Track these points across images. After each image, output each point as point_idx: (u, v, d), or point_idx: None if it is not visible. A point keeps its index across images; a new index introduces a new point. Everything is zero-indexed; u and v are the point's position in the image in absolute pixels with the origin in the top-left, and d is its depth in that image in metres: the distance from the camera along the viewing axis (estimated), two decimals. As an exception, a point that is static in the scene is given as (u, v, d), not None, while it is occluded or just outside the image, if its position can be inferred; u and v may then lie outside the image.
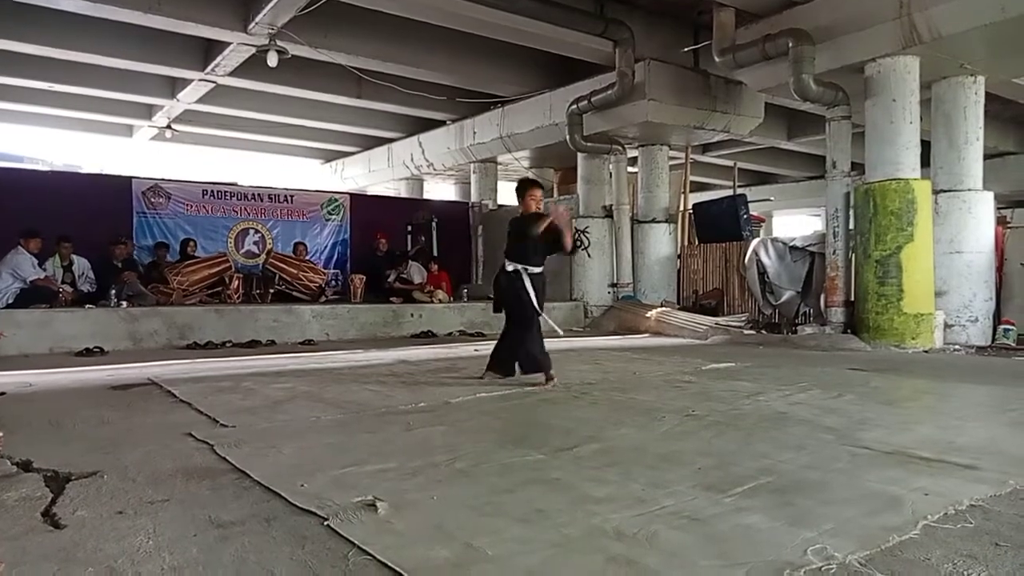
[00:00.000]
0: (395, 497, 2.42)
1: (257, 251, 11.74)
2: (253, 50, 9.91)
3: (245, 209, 11.87)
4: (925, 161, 8.46)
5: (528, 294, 5.06)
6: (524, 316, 5.13)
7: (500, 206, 15.08)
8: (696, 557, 1.94)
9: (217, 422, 3.75)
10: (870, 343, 7.89)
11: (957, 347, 7.86)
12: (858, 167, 8.77)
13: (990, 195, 8.50)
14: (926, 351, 7.62)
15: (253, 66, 10.59)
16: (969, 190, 8.39)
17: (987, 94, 8.85)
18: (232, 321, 8.53)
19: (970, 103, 8.54)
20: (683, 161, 12.59)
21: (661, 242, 11.78)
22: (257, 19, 8.98)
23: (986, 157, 8.85)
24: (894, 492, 2.50)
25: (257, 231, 11.93)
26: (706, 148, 16.86)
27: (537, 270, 5.18)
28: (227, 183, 12.07)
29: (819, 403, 4.33)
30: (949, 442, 3.26)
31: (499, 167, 15.74)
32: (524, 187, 5.43)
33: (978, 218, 8.29)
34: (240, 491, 2.55)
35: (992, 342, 7.98)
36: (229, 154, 19.11)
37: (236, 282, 9.97)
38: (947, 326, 8.05)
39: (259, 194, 12.11)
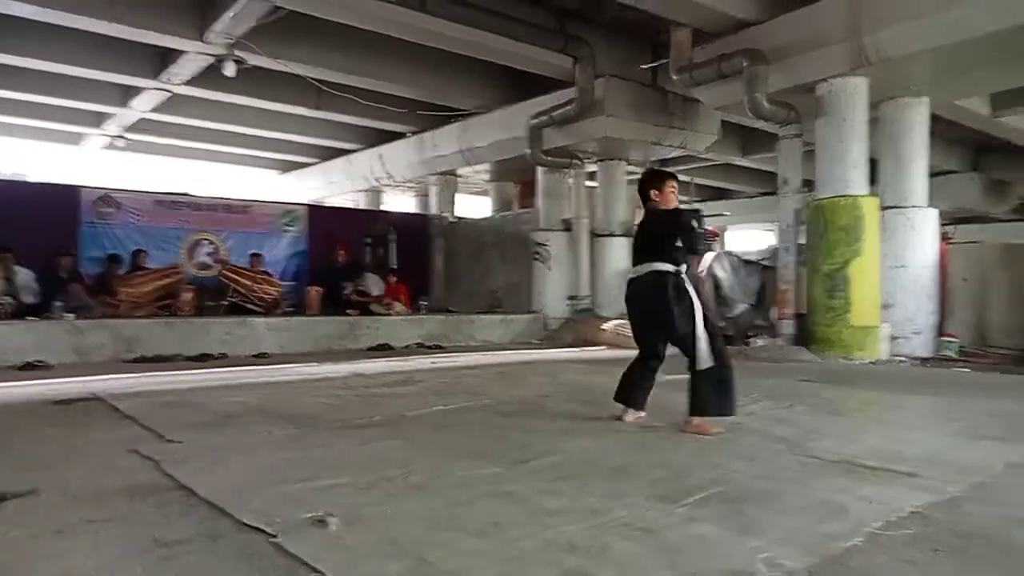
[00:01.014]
0: (347, 512, 2.38)
1: (211, 262, 11.51)
2: (210, 59, 9.77)
3: (199, 219, 11.64)
4: (873, 179, 8.74)
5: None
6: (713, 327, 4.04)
7: (460, 219, 15.08)
8: (648, 568, 1.95)
9: (163, 438, 3.65)
10: (820, 355, 8.07)
11: (902, 359, 8.09)
12: (809, 184, 9.01)
13: (934, 212, 8.80)
14: (873, 363, 7.83)
15: (210, 75, 10.43)
16: (914, 207, 8.67)
17: (932, 115, 9.19)
18: (183, 334, 8.33)
19: (916, 123, 8.85)
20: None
21: (619, 255, 11.89)
22: (215, 28, 8.87)
23: (931, 176, 9.17)
24: (841, 501, 2.55)
25: (211, 242, 11.70)
26: (663, 164, 17.10)
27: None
28: (180, 193, 11.83)
29: (770, 414, 4.42)
30: (893, 451, 3.35)
31: (459, 180, 15.75)
32: (661, 178, 4.28)
33: (922, 234, 8.58)
34: (186, 509, 2.48)
35: (935, 354, 8.23)
36: (184, 164, 18.74)
37: (188, 294, 9.75)
38: (892, 338, 8.28)
39: (214, 204, 11.90)
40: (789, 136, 9.06)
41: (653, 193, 4.18)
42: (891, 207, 8.62)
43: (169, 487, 2.75)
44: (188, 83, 11.17)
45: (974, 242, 12.29)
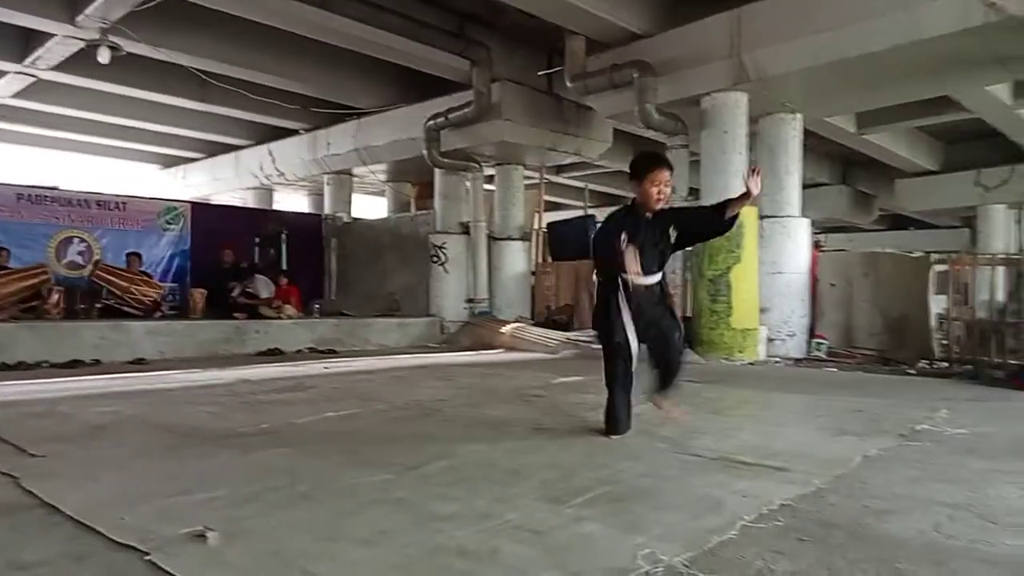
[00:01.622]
0: (228, 525, 2.29)
1: (82, 262, 10.74)
2: (82, 44, 9.12)
3: (69, 216, 10.83)
4: (752, 189, 9.25)
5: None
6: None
7: (355, 219, 14.80)
8: (535, 569, 1.98)
9: (25, 452, 3.37)
10: (704, 356, 8.47)
11: (778, 360, 8.62)
12: (696, 192, 9.45)
13: (807, 221, 9.45)
14: (751, 363, 8.30)
15: (82, 61, 9.75)
16: (789, 216, 9.27)
17: (805, 130, 9.86)
18: (50, 339, 7.74)
19: (790, 138, 9.47)
20: (538, 181, 12.97)
21: (516, 259, 12.05)
22: (87, 11, 8.30)
23: (804, 187, 9.83)
24: (717, 496, 2.69)
25: (83, 240, 10.92)
26: (560, 169, 17.47)
27: None
28: (48, 187, 10.97)
29: (656, 413, 4.57)
30: (766, 447, 3.56)
31: (354, 179, 15.46)
32: (652, 163, 3.80)
33: (796, 242, 9.18)
34: (48, 528, 2.30)
35: (807, 354, 8.82)
36: (53, 155, 17.43)
37: (56, 296, 9.04)
38: (769, 340, 8.81)
39: (86, 200, 11.10)
40: (676, 146, 9.47)
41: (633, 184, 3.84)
42: (768, 216, 9.18)
43: (30, 505, 2.54)
44: (57, 68, 10.39)
45: (842, 250, 13.29)
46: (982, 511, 2.52)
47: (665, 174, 3.76)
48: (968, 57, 7.57)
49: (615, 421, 3.84)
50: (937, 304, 8.13)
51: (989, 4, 6.46)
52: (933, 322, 8.00)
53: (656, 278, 3.84)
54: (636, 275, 3.58)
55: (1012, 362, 7.05)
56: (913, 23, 6.98)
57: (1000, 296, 7.48)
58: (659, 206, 3.80)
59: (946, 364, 7.71)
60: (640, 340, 3.77)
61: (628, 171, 3.90)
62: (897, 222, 22.71)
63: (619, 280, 3.71)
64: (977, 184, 15.56)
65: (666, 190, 3.78)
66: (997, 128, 12.72)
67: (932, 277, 8.07)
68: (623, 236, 3.64)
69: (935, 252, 9.71)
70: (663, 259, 3.89)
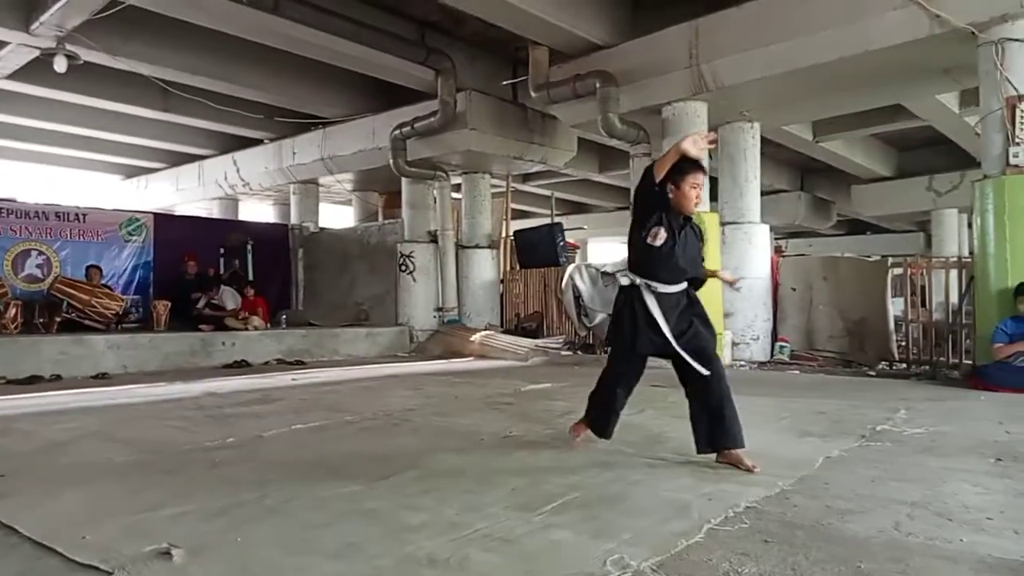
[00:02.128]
0: (194, 541, 2.26)
1: (41, 275, 10.49)
2: (37, 52, 8.92)
3: (26, 228, 10.57)
4: (714, 196, 9.43)
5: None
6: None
7: (322, 228, 14.69)
8: (505, 577, 2.00)
9: (-18, 472, 3.29)
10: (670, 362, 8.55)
11: (743, 363, 8.76)
12: (659, 199, 9.56)
13: (767, 227, 9.63)
14: (718, 367, 8.40)
15: (39, 70, 9.53)
16: (750, 223, 9.45)
17: (763, 139, 10.06)
18: (7, 354, 7.53)
19: (749, 146, 9.65)
20: (504, 189, 13.02)
21: (485, 267, 12.06)
22: (42, 19, 8.10)
23: (764, 194, 10.02)
24: (684, 499, 2.73)
25: (41, 253, 10.66)
26: (526, 178, 17.58)
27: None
28: (4, 199, 10.69)
29: (623, 419, 4.62)
30: (732, 450, 3.62)
31: (321, 189, 15.35)
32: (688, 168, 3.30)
33: (757, 247, 9.35)
34: (5, 550, 2.25)
35: (771, 358, 8.98)
36: (10, 167, 16.99)
37: (14, 310, 8.80)
38: (734, 344, 8.95)
39: (44, 212, 10.84)
40: (639, 154, 9.60)
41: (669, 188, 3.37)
42: (730, 222, 9.34)
43: (-14, 527, 2.48)
44: (11, 77, 10.15)
45: (802, 255, 13.56)
46: (940, 509, 2.61)
47: (702, 177, 3.38)
48: (917, 67, 7.82)
49: (609, 421, 3.69)
50: (895, 306, 8.35)
51: (935, 16, 6.68)
52: (891, 324, 8.21)
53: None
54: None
55: (967, 362, 7.28)
56: (861, 34, 7.19)
57: (954, 298, 7.70)
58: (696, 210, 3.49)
59: (904, 365, 7.92)
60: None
61: (652, 174, 3.35)
62: (855, 227, 23.27)
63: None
64: (929, 189, 16.03)
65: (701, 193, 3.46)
66: (947, 135, 13.13)
67: (889, 280, 8.29)
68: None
69: (892, 256, 9.99)
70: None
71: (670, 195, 3.37)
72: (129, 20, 8.67)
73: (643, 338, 3.51)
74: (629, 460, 3.45)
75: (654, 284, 3.47)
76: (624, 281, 3.66)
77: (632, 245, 3.58)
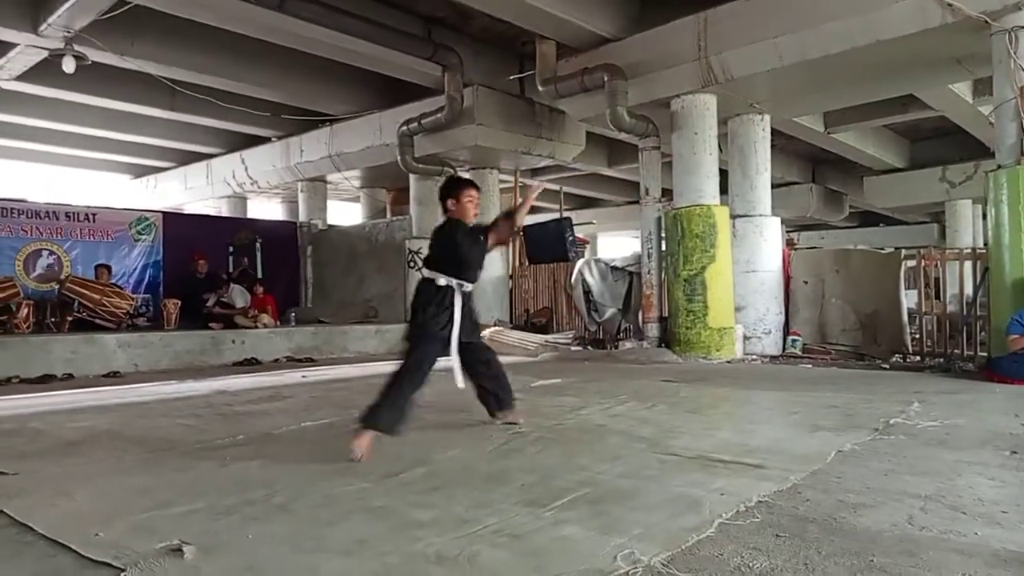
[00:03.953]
0: (205, 539, 2.26)
1: (52, 275, 10.57)
2: (45, 53, 8.97)
3: (37, 228, 10.65)
4: (724, 189, 9.37)
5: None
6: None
7: (330, 226, 14.71)
8: (514, 574, 1.99)
9: (-5, 470, 3.31)
10: (681, 356, 8.54)
11: (754, 357, 8.71)
12: (668, 193, 9.53)
13: (777, 220, 9.57)
14: (728, 362, 8.38)
15: (47, 71, 9.58)
16: (760, 215, 9.39)
17: (773, 130, 9.99)
18: (20, 354, 7.58)
19: (759, 138, 9.59)
20: (513, 184, 13.00)
21: (494, 263, 12.03)
22: (50, 21, 8.15)
23: (775, 186, 9.95)
24: (696, 494, 2.71)
25: (52, 252, 10.74)
26: (534, 172, 17.51)
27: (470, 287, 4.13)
28: (15, 199, 10.77)
29: (635, 414, 4.62)
30: (743, 445, 3.60)
31: (328, 186, 15.37)
32: (456, 187, 4.05)
33: (768, 240, 9.29)
34: (20, 548, 2.26)
35: (783, 351, 8.93)
36: (19, 167, 17.11)
37: (25, 310, 8.87)
38: (746, 338, 8.90)
39: (54, 212, 10.91)
40: (648, 148, 9.53)
41: (449, 203, 4.02)
42: (741, 216, 9.28)
43: (1, 525, 2.49)
44: (20, 78, 10.21)
45: (814, 247, 13.48)
46: (953, 502, 2.57)
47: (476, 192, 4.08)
48: (928, 57, 7.74)
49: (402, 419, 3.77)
50: (908, 299, 8.28)
51: (946, 5, 6.60)
52: (905, 317, 8.14)
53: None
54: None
55: (982, 354, 7.21)
56: (871, 25, 7.11)
57: (968, 290, 7.62)
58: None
59: (918, 358, 7.85)
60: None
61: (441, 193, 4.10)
62: (867, 219, 23.09)
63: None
64: (943, 180, 15.87)
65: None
66: (961, 125, 12.98)
67: (903, 272, 8.22)
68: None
69: (905, 248, 9.89)
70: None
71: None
72: (136, 20, 8.71)
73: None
74: (640, 455, 3.43)
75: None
76: None
77: None
